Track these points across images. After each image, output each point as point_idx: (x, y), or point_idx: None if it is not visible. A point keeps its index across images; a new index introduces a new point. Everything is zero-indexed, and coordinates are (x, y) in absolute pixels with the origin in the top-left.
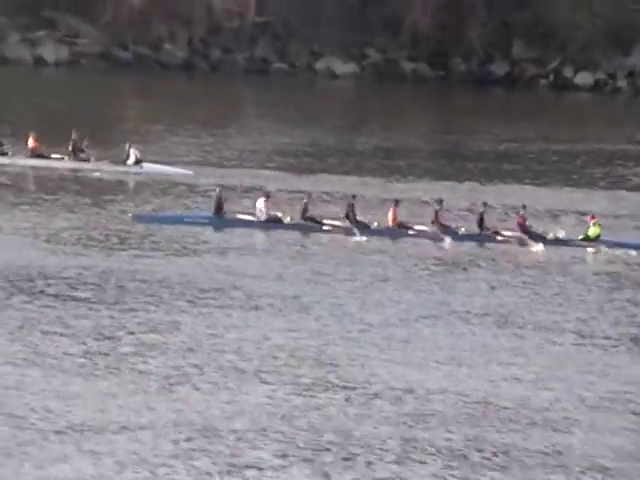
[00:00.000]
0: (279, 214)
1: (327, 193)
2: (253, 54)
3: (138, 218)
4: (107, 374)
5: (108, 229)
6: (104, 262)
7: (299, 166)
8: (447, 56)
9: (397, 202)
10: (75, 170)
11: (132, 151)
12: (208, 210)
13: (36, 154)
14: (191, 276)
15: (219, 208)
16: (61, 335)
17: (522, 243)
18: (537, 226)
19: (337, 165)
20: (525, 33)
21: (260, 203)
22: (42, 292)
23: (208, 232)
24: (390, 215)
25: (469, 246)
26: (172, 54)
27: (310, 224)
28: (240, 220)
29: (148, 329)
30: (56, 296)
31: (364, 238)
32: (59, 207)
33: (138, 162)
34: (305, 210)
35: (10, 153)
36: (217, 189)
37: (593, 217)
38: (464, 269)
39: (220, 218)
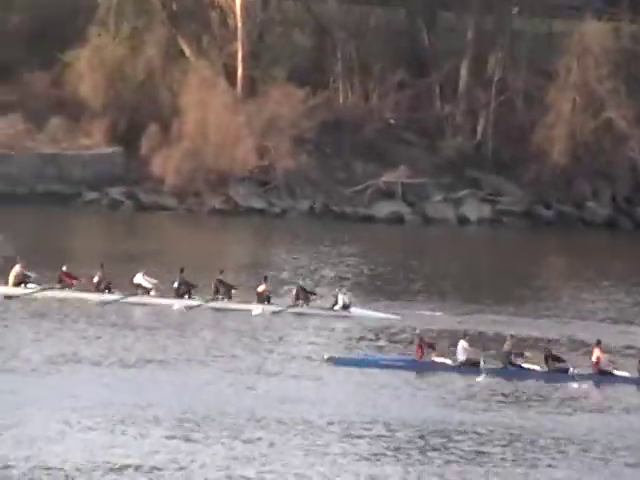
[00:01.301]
0: (478, 357)
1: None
2: None
3: (334, 361)
4: None
5: None
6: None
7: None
8: None
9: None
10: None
11: (340, 295)
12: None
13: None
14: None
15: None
16: None
17: None
18: None
19: None
20: None
21: (460, 345)
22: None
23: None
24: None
25: None
26: (595, 212)
27: (511, 369)
28: (437, 363)
29: None
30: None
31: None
32: None
33: (346, 307)
34: (509, 353)
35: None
36: (418, 330)
37: None
38: None
39: (416, 361)
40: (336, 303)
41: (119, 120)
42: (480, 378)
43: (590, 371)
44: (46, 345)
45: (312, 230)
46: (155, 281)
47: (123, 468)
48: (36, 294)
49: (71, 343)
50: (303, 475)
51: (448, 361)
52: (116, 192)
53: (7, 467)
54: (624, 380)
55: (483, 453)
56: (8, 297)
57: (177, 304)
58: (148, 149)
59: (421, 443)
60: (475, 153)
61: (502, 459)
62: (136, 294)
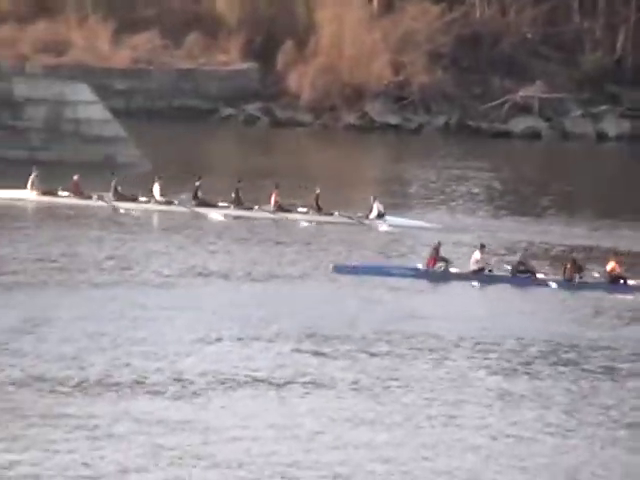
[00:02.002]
0: (488, 266)
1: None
2: None
3: (338, 269)
4: None
5: None
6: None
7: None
8: None
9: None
10: (319, 222)
11: (376, 205)
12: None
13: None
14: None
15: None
16: None
17: None
18: None
19: None
20: None
21: (476, 255)
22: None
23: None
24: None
25: None
26: None
27: (521, 276)
28: (451, 273)
29: None
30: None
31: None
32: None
33: (381, 215)
34: (520, 263)
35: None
36: (436, 241)
37: None
38: None
39: (426, 271)
40: (371, 211)
41: (255, 36)
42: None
43: None
44: (177, 258)
45: (447, 145)
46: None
47: (253, 382)
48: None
49: (199, 256)
50: (432, 389)
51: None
52: (252, 108)
53: (143, 377)
54: None
55: (613, 369)
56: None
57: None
58: (284, 65)
59: (552, 358)
60: (614, 68)
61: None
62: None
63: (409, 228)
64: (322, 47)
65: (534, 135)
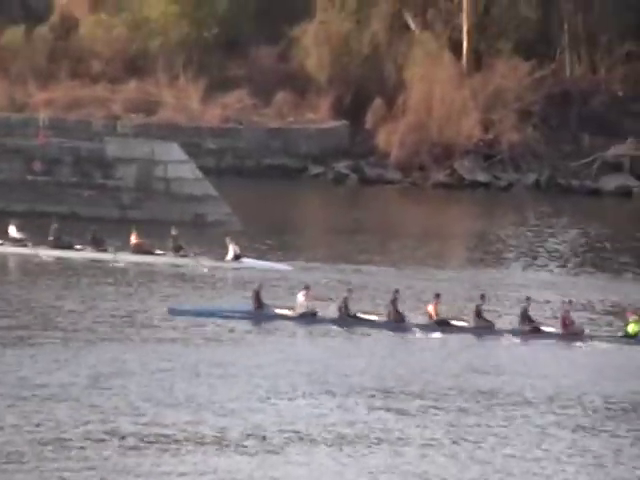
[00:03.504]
0: (316, 309)
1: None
2: None
3: (173, 311)
4: None
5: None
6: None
7: None
8: None
9: (438, 296)
10: (176, 265)
11: (232, 246)
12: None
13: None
14: None
15: (258, 302)
16: None
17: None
18: None
19: None
20: None
21: (300, 297)
22: None
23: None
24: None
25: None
26: None
27: (349, 319)
28: (278, 315)
29: None
30: None
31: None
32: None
33: (237, 257)
34: (345, 306)
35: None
36: (257, 284)
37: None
38: None
39: (259, 313)
40: (227, 253)
41: (344, 94)
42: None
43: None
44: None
45: (537, 203)
46: None
47: (332, 438)
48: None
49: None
50: (511, 444)
51: (287, 312)
52: (341, 166)
53: (220, 433)
54: None
55: None
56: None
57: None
58: (373, 123)
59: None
60: None
61: None
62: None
63: (266, 271)
64: (411, 105)
65: (625, 193)
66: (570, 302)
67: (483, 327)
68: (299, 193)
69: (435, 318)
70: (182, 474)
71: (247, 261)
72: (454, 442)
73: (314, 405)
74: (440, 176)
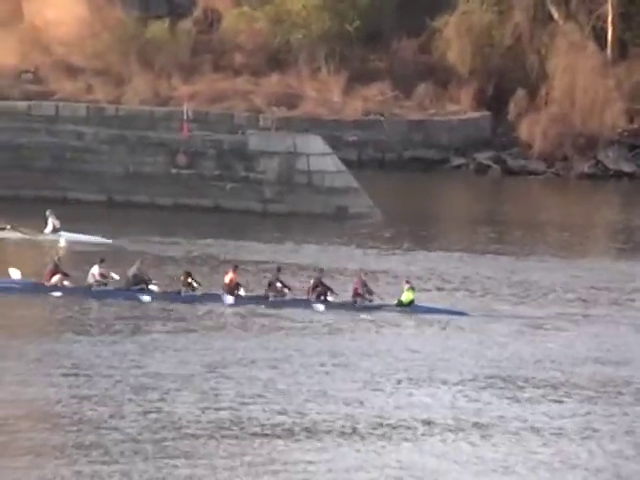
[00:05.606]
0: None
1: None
2: None
3: None
4: None
5: None
6: None
7: None
8: None
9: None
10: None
11: (51, 219)
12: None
13: None
14: None
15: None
16: None
17: None
18: None
19: None
20: None
21: (95, 269)
22: None
23: None
24: None
25: None
26: None
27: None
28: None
29: None
30: None
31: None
32: None
33: (56, 230)
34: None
35: None
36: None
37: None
38: None
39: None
40: (46, 226)
41: (486, 85)
42: None
43: None
44: None
45: None
46: None
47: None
48: None
49: None
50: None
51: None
52: (483, 157)
53: (351, 423)
54: None
55: None
56: None
57: None
58: (515, 114)
59: None
60: None
61: None
62: None
63: (86, 244)
64: (554, 96)
65: None
66: None
67: None
68: (441, 185)
69: None
70: (322, 462)
71: (66, 234)
72: (584, 430)
73: (432, 394)
74: (584, 167)
